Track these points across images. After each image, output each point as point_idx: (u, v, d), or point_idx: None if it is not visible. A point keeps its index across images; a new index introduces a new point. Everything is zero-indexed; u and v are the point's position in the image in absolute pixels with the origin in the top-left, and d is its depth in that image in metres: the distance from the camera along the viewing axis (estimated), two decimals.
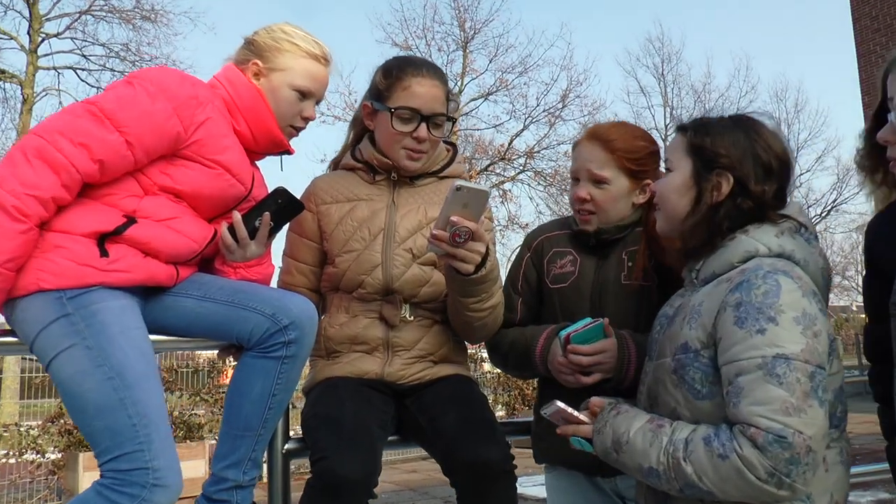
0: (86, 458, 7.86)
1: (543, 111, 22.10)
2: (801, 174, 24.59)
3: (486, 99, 21.93)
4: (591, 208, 2.24)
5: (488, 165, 21.83)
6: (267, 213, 2.03)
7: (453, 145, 2.44)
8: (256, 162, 2.24)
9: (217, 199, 2.02)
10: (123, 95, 1.87)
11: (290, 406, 2.21)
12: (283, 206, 2.05)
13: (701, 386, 1.64)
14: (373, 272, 2.18)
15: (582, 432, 1.84)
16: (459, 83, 21.35)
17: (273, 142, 2.13)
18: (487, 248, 1.99)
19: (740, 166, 1.74)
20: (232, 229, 2.03)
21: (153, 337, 1.94)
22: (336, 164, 2.44)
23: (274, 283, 2.28)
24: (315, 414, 2.04)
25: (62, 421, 8.39)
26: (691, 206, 1.79)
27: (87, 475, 7.84)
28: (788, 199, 1.80)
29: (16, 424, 8.87)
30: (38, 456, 8.24)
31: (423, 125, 2.17)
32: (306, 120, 2.17)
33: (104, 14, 17.49)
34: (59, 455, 8.39)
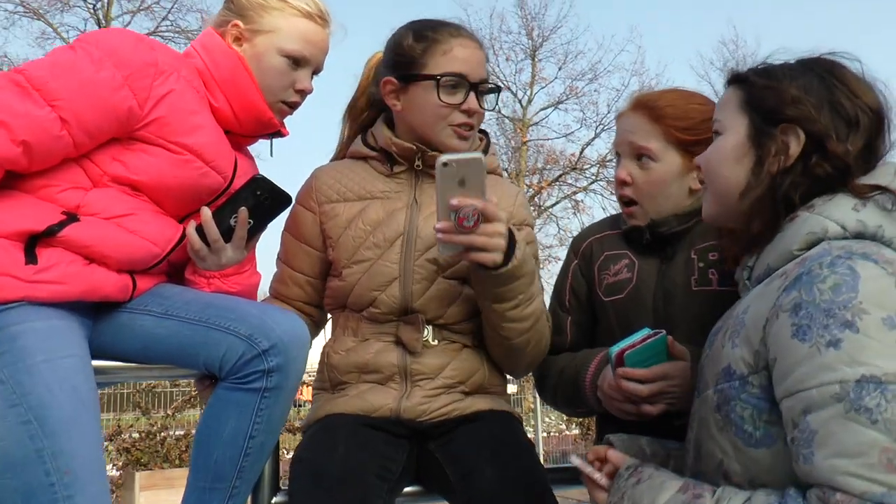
0: (143, 478, 7.67)
1: (615, 118, 21.28)
2: None
3: (555, 108, 21.32)
4: (633, 194, 1.79)
5: (560, 175, 21.21)
6: (243, 208, 1.62)
7: (485, 132, 1.98)
8: (248, 148, 1.84)
9: (187, 192, 1.63)
10: (59, 61, 1.49)
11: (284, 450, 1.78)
12: (263, 200, 1.63)
13: (753, 427, 1.18)
14: (388, 288, 1.75)
15: (598, 500, 1.38)
16: (529, 92, 20.94)
17: (259, 121, 1.73)
18: (510, 232, 1.58)
19: (814, 118, 1.28)
20: (201, 230, 1.62)
21: (103, 363, 1.57)
22: (338, 158, 2.01)
23: (262, 295, 1.87)
24: (299, 460, 1.63)
25: (122, 437, 8.26)
26: (750, 176, 1.32)
27: (144, 495, 7.68)
28: (882, 163, 1.33)
29: None
30: None
31: (473, 94, 1.75)
32: (301, 94, 1.76)
33: (171, 35, 17.65)
34: (118, 473, 8.24)
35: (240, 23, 1.71)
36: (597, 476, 1.40)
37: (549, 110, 21.44)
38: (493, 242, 1.53)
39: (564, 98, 21.17)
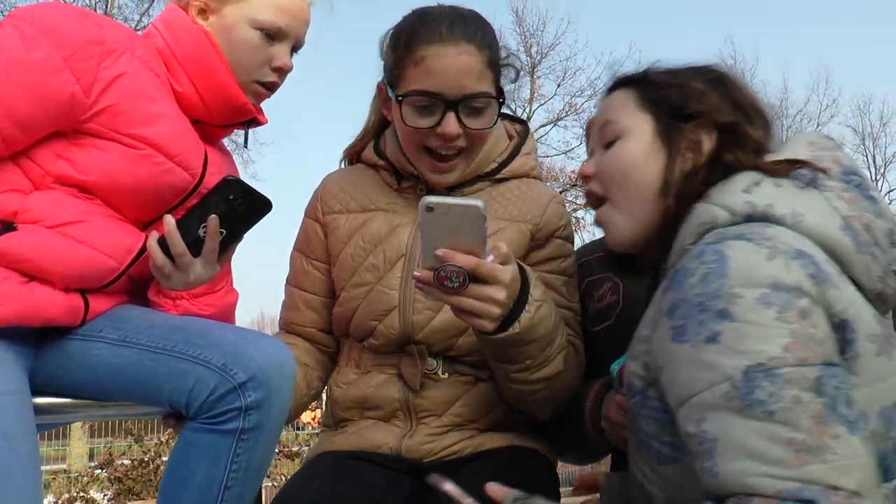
0: None
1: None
2: (890, 191, 22.75)
3: (555, 124, 21.05)
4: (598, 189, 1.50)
5: (560, 193, 21.04)
6: (214, 216, 1.34)
7: (523, 123, 1.71)
8: (223, 141, 1.59)
9: (147, 193, 1.38)
10: None
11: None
12: (237, 205, 1.35)
13: (660, 444, 1.08)
14: (387, 317, 1.49)
15: None
16: (528, 109, 20.75)
17: (231, 106, 1.47)
18: (527, 291, 1.29)
19: (723, 110, 1.19)
20: (164, 242, 1.35)
21: (49, 401, 1.31)
22: (353, 156, 1.74)
23: (246, 320, 1.60)
24: (276, 498, 1.37)
25: (113, 465, 7.98)
26: (664, 175, 1.18)
27: None
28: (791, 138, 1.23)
29: (65, 471, 8.49)
30: None
31: (450, 115, 1.42)
32: (279, 72, 1.50)
33: None
34: None
35: None
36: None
37: (549, 127, 21.19)
38: (482, 308, 1.24)
39: (564, 115, 20.94)
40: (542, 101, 21.42)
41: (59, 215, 1.29)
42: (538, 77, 21.22)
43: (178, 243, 1.33)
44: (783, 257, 0.97)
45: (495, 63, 1.48)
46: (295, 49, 1.53)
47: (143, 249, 1.38)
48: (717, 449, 0.93)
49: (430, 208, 1.15)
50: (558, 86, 21.41)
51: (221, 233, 1.35)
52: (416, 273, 1.22)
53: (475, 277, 1.20)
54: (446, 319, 1.47)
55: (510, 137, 1.65)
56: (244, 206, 1.35)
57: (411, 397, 1.49)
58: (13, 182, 1.29)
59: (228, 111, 1.48)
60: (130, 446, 8.76)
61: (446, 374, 1.51)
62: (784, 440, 0.89)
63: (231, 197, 1.34)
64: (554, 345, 1.39)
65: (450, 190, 1.55)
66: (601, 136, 1.26)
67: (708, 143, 1.16)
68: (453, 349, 1.50)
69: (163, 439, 8.43)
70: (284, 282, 1.69)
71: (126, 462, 8.18)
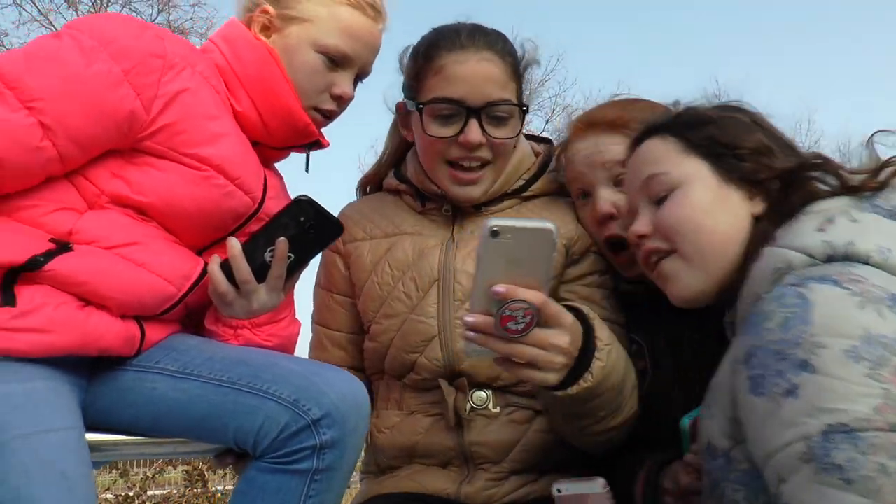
0: None
1: (557, 153, 21.38)
2: None
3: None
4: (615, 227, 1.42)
5: None
6: (283, 239, 1.25)
7: (548, 141, 1.64)
8: (275, 164, 1.51)
9: (206, 218, 1.29)
10: (39, 52, 1.16)
11: None
12: (307, 228, 1.27)
13: None
14: (427, 348, 1.40)
15: None
16: None
17: (293, 128, 1.39)
18: (589, 331, 1.17)
19: (771, 145, 1.15)
20: (227, 267, 1.26)
21: (101, 437, 1.22)
22: (367, 185, 1.68)
23: (302, 352, 1.50)
24: None
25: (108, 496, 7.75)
26: (746, 217, 1.13)
27: None
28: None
29: None
30: None
31: (473, 122, 1.37)
32: (339, 101, 1.42)
33: None
34: None
35: (270, 8, 1.38)
36: None
37: None
38: (544, 358, 1.08)
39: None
40: None
41: (116, 236, 1.20)
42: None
43: (243, 268, 1.24)
44: (876, 305, 0.89)
45: (518, 73, 1.45)
46: (360, 77, 1.46)
47: (201, 276, 1.29)
48: None
49: (494, 232, 0.99)
50: (546, 122, 21.53)
51: (289, 257, 1.26)
52: (468, 318, 1.05)
53: (538, 317, 1.06)
54: None
55: (536, 155, 1.59)
56: (315, 229, 1.26)
57: (466, 444, 1.39)
58: (67, 200, 1.20)
59: (290, 133, 1.40)
60: (115, 481, 8.50)
61: (498, 407, 1.41)
62: None
63: (302, 219, 1.25)
64: (627, 386, 1.28)
65: (476, 208, 1.48)
66: (647, 191, 1.18)
67: (770, 174, 1.11)
68: (501, 378, 1.40)
69: (149, 474, 8.19)
70: (310, 321, 1.61)
71: (110, 496, 7.94)
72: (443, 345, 1.40)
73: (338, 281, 1.54)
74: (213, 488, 8.20)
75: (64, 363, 1.15)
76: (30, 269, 1.12)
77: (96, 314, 1.17)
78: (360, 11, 1.40)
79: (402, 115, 1.51)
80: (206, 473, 7.60)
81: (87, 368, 1.22)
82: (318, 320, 1.57)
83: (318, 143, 1.47)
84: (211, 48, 1.38)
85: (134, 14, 14.76)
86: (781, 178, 1.12)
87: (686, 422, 1.24)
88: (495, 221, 1.00)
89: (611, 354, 1.20)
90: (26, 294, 1.11)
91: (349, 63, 1.41)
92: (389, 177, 1.59)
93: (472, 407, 1.40)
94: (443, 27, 1.46)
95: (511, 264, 1.02)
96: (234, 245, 1.25)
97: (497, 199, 1.50)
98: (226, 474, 8.06)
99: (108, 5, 13.56)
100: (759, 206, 1.12)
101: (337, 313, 1.55)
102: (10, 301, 1.10)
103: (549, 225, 1.01)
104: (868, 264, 0.96)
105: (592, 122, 1.44)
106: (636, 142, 1.24)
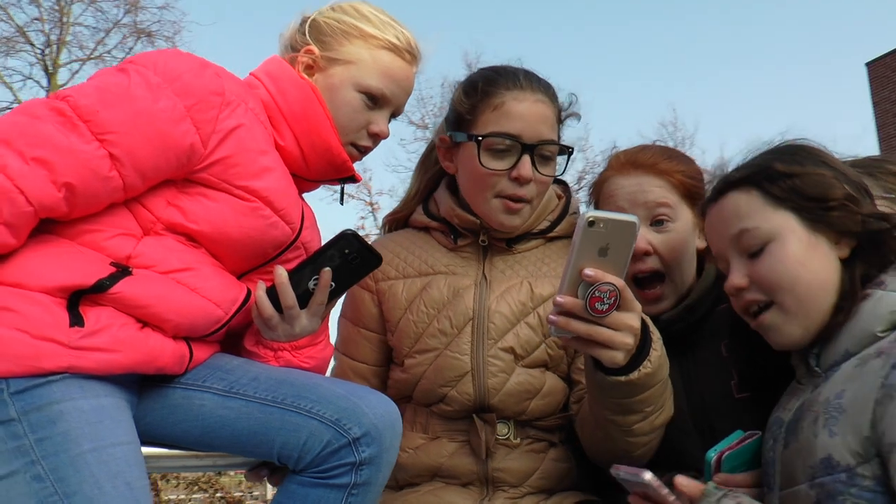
0: None
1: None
2: None
3: None
4: (659, 266, 1.53)
5: None
6: (328, 269, 1.35)
7: (565, 185, 1.75)
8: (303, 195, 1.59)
9: (250, 246, 1.37)
10: (110, 87, 1.23)
11: None
12: (351, 260, 1.37)
13: None
14: (459, 383, 1.51)
15: None
16: None
17: (331, 163, 1.48)
18: (646, 325, 1.28)
19: (852, 192, 1.24)
20: (273, 293, 1.35)
21: (151, 451, 1.29)
22: (393, 223, 1.77)
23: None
24: None
25: None
26: (833, 265, 1.24)
27: None
28: None
29: None
30: None
31: (527, 158, 1.48)
32: (375, 138, 1.52)
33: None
34: None
35: (315, 49, 1.48)
36: (669, 496, 1.23)
37: None
38: (619, 338, 1.19)
39: None
40: None
41: (171, 262, 1.28)
42: None
43: (289, 295, 1.33)
44: None
45: (560, 119, 1.56)
46: (394, 116, 1.55)
47: (245, 300, 1.37)
48: None
49: (591, 222, 1.13)
50: None
51: (330, 286, 1.35)
52: (558, 298, 1.16)
53: (620, 301, 1.17)
54: (521, 381, 1.50)
55: (558, 198, 1.69)
56: (357, 262, 1.36)
57: (490, 469, 1.49)
58: (125, 226, 1.27)
59: (327, 168, 1.49)
60: None
61: (518, 439, 1.52)
62: None
63: (346, 251, 1.35)
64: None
65: (508, 245, 1.58)
66: (738, 245, 1.27)
67: (854, 223, 1.21)
68: (525, 413, 1.51)
69: None
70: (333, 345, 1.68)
71: None
72: (475, 381, 1.50)
73: (365, 317, 1.62)
74: (166, 497, 8.08)
75: (120, 381, 1.22)
76: (96, 292, 1.19)
77: (153, 335, 1.24)
78: (399, 56, 1.50)
79: (445, 149, 1.61)
80: (158, 483, 7.48)
81: (136, 385, 1.28)
82: (344, 351, 1.65)
83: (353, 178, 1.56)
84: (255, 84, 1.46)
85: (100, 13, 14.52)
86: (864, 223, 1.23)
87: (712, 455, 1.34)
88: (592, 212, 1.14)
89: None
90: (92, 315, 1.18)
91: (387, 103, 1.50)
92: (418, 213, 1.68)
93: (495, 439, 1.50)
94: (498, 66, 1.57)
95: (600, 252, 1.15)
96: (282, 273, 1.35)
97: (524, 237, 1.61)
98: (178, 484, 7.97)
99: (71, 4, 13.33)
100: (845, 250, 1.24)
101: (362, 346, 1.63)
102: (79, 321, 1.16)
103: (634, 219, 1.15)
104: None
105: (638, 164, 1.56)
106: (718, 194, 1.32)
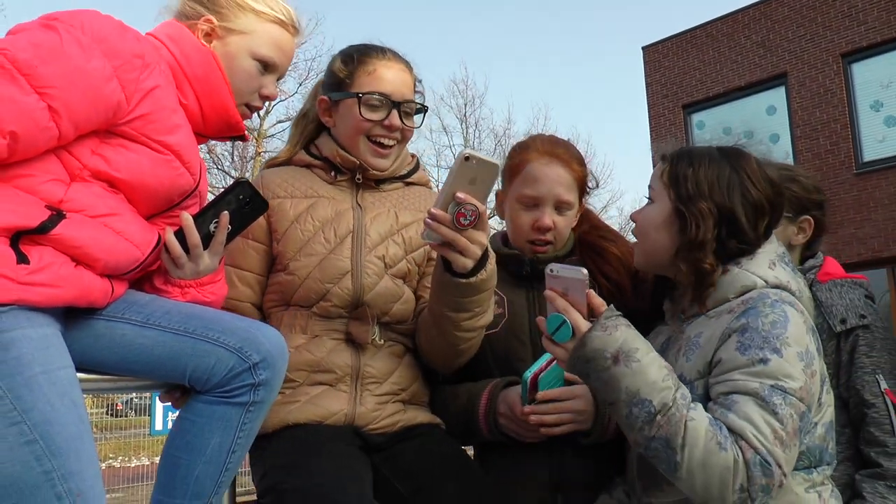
0: None
1: (518, 161, 21.47)
2: None
3: None
4: (552, 237, 1.99)
5: None
6: (226, 212, 1.59)
7: (413, 156, 2.11)
8: None
9: (162, 193, 1.55)
10: (44, 43, 1.35)
11: None
12: (245, 205, 1.61)
13: None
14: (341, 281, 1.80)
15: (576, 321, 1.54)
16: None
17: (226, 122, 1.68)
18: (486, 246, 1.68)
19: (727, 202, 1.63)
20: (180, 235, 1.56)
21: (80, 376, 1.43)
22: (277, 163, 2.02)
23: None
24: (284, 489, 1.58)
25: None
26: (676, 241, 1.67)
27: None
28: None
29: None
30: None
31: (395, 112, 1.86)
32: (265, 99, 1.75)
33: None
34: None
35: (213, 19, 1.65)
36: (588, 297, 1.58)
37: None
38: (472, 249, 1.60)
39: None
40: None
41: (99, 207, 1.43)
42: None
43: (194, 235, 1.55)
44: (811, 330, 1.56)
45: (416, 86, 1.96)
46: (278, 79, 1.78)
47: (158, 243, 1.56)
48: (735, 406, 1.45)
49: (467, 158, 1.52)
50: (300, 84, 21.36)
51: (228, 228, 1.59)
52: (432, 210, 1.55)
53: (478, 220, 1.56)
54: (388, 286, 1.84)
55: (412, 157, 2.06)
56: (250, 206, 1.61)
57: (362, 364, 1.80)
58: (54, 172, 1.40)
59: (223, 127, 1.69)
60: None
61: (383, 340, 1.85)
62: (774, 428, 1.43)
63: (241, 197, 1.60)
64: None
65: (376, 183, 1.93)
66: (648, 193, 1.77)
67: (710, 224, 1.63)
68: (389, 314, 1.84)
69: None
70: None
71: None
72: (353, 279, 1.80)
73: (255, 230, 1.82)
74: None
75: (55, 313, 1.37)
76: (39, 233, 1.33)
77: (86, 272, 1.40)
78: (285, 29, 1.72)
79: (325, 107, 1.92)
80: None
81: (63, 317, 1.43)
82: (232, 263, 1.84)
83: (242, 136, 1.76)
84: (158, 46, 1.59)
85: None
86: (720, 227, 1.66)
87: (528, 376, 1.71)
88: (469, 151, 1.55)
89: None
90: (35, 254, 1.32)
91: (275, 69, 1.72)
92: (300, 154, 1.96)
93: (367, 330, 1.81)
94: (367, 43, 1.92)
95: (470, 183, 1.53)
96: (187, 217, 1.56)
97: (388, 180, 1.95)
98: None
99: None
100: (695, 236, 1.65)
101: (249, 256, 1.85)
102: (24, 259, 1.30)
103: (498, 162, 1.56)
104: (798, 298, 1.61)
105: (557, 157, 1.97)
106: (659, 158, 1.78)
